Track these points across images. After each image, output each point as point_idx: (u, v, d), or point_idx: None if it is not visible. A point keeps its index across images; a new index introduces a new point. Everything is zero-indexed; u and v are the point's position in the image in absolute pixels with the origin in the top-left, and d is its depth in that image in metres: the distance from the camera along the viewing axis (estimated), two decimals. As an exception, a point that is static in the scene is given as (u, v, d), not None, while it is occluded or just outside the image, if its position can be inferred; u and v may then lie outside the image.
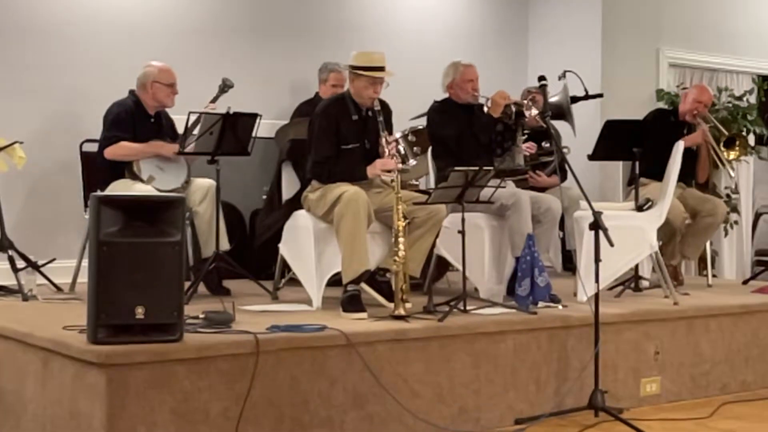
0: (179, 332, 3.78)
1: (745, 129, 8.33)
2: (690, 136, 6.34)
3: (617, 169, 6.70)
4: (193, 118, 5.39)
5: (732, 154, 6.43)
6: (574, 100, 6.01)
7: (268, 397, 3.93)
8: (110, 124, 5.60)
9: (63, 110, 6.47)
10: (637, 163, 5.81)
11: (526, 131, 5.89)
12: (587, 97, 6.11)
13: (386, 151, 5.01)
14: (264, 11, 7.24)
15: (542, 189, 6.24)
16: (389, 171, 4.92)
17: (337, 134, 5.09)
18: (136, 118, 5.64)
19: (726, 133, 6.51)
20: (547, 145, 5.87)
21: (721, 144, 6.43)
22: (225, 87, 5.84)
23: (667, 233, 5.83)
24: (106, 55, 6.54)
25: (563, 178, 6.19)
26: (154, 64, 5.70)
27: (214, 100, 5.76)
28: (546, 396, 4.72)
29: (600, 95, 6.23)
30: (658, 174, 5.87)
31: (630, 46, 8.06)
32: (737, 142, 6.46)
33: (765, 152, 9.51)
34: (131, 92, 5.71)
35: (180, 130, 5.74)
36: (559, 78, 6.12)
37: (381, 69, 5.04)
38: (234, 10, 7.15)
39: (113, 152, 5.55)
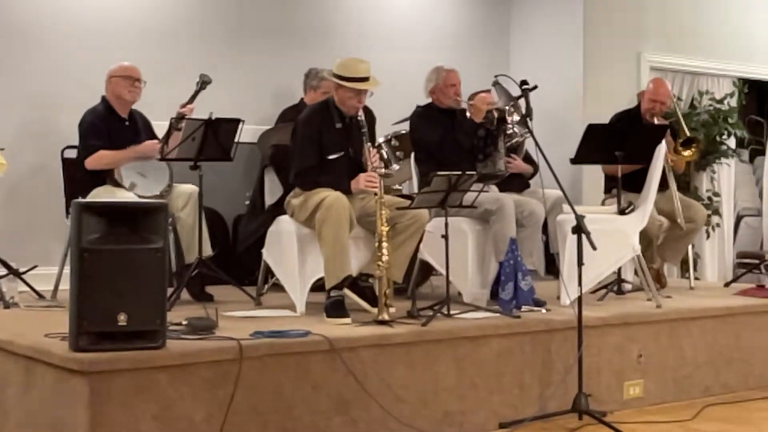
0: (162, 339, 3.76)
1: (726, 132, 8.38)
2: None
3: (600, 173, 6.71)
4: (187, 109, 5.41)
5: (687, 153, 6.43)
6: (518, 98, 5.99)
7: (252, 404, 3.92)
8: (85, 133, 5.60)
9: (44, 116, 6.44)
10: (619, 167, 5.82)
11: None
12: (522, 94, 6.08)
13: (370, 163, 4.99)
14: (246, 15, 7.23)
15: (522, 180, 6.21)
16: (373, 186, 4.90)
17: (320, 143, 5.08)
18: (110, 123, 5.62)
19: (687, 132, 6.50)
20: (511, 131, 5.84)
21: (680, 142, 6.43)
22: (203, 83, 5.82)
23: (643, 241, 5.83)
24: (86, 61, 6.51)
25: (534, 168, 6.19)
26: (117, 64, 5.70)
27: (192, 98, 5.73)
28: (530, 400, 4.73)
29: (535, 87, 6.21)
30: (632, 184, 5.88)
31: (612, 49, 8.10)
32: (693, 145, 6.46)
33: (746, 155, 9.58)
34: (102, 98, 5.70)
35: (159, 132, 5.73)
36: (493, 85, 6.12)
37: (366, 80, 5.02)
38: (216, 14, 7.14)
39: (94, 163, 5.54)
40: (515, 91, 5.74)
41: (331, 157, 5.09)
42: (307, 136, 5.09)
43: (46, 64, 6.48)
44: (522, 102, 5.71)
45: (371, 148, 5.05)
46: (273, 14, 7.34)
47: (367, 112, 5.18)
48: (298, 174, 5.09)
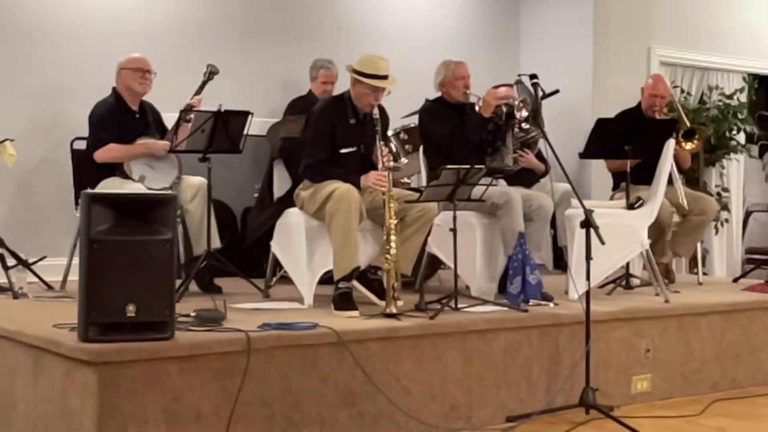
0: (170, 330, 3.77)
1: (735, 128, 8.36)
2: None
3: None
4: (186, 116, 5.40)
5: (689, 146, 6.40)
6: (543, 98, 6.02)
7: (260, 396, 3.93)
8: (95, 125, 5.60)
9: (53, 108, 6.46)
10: (628, 162, 5.81)
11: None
12: (545, 96, 6.12)
13: (381, 162, 4.99)
14: (255, 9, 7.23)
15: (531, 175, 6.22)
16: (382, 185, 4.90)
17: (333, 137, 5.08)
18: (120, 115, 5.63)
19: (688, 124, 6.48)
20: (528, 126, 5.85)
21: (680, 135, 6.41)
22: (210, 74, 5.83)
23: (655, 231, 5.83)
24: (96, 53, 6.52)
25: (546, 168, 6.20)
26: (125, 56, 5.70)
27: (200, 89, 5.74)
28: (537, 394, 4.73)
29: (556, 91, 6.24)
30: (640, 177, 5.87)
31: (621, 44, 8.08)
32: (696, 136, 6.44)
33: (755, 151, 9.56)
34: (113, 89, 5.71)
35: (168, 124, 5.74)
36: (516, 83, 6.13)
37: (385, 78, 5.01)
38: (225, 7, 7.14)
39: (103, 156, 5.55)
40: (538, 91, 5.74)
41: (342, 151, 5.09)
42: (320, 129, 5.09)
43: (56, 57, 6.49)
44: (531, 95, 5.72)
45: (383, 147, 5.05)
46: (282, 7, 7.34)
47: (382, 111, 5.18)
48: (309, 166, 5.09)
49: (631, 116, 6.33)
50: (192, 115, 5.43)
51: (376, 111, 5.09)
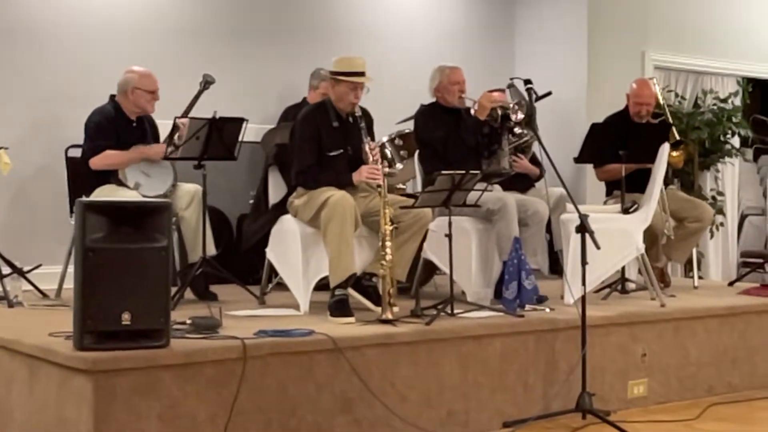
0: (166, 338, 3.77)
1: (730, 131, 8.37)
2: None
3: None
4: (181, 122, 5.39)
5: (675, 153, 6.40)
6: (537, 99, 6.03)
7: (256, 403, 3.92)
8: (92, 132, 5.58)
9: (47, 115, 6.44)
10: (623, 169, 5.81)
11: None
12: (538, 98, 6.13)
13: (370, 157, 5.01)
14: (250, 14, 7.22)
15: (526, 179, 6.23)
16: (375, 177, 4.91)
17: (319, 142, 5.09)
18: (118, 124, 5.61)
19: (677, 136, 6.47)
20: (521, 131, 5.87)
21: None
22: (206, 84, 5.83)
23: (648, 237, 5.83)
24: (90, 59, 6.51)
25: (541, 171, 6.20)
26: (135, 70, 5.68)
27: (195, 99, 5.73)
28: (534, 399, 4.73)
29: (549, 93, 6.23)
30: (633, 185, 5.87)
31: (615, 48, 8.08)
32: (681, 147, 6.43)
33: (750, 154, 9.57)
34: (111, 98, 5.69)
35: (163, 134, 5.73)
36: (508, 87, 6.14)
37: (362, 74, 5.04)
38: (219, 12, 7.13)
39: (100, 162, 5.53)
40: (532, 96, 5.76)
41: (331, 154, 5.10)
42: (305, 136, 5.11)
43: (51, 64, 6.48)
44: (525, 99, 5.74)
45: (371, 143, 5.07)
46: (277, 13, 7.34)
47: (365, 114, 5.20)
48: (299, 172, 5.10)
49: (621, 121, 6.32)
50: (179, 133, 5.39)
51: (358, 109, 5.11)
